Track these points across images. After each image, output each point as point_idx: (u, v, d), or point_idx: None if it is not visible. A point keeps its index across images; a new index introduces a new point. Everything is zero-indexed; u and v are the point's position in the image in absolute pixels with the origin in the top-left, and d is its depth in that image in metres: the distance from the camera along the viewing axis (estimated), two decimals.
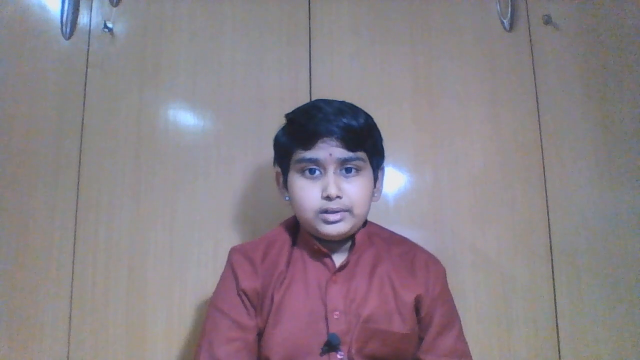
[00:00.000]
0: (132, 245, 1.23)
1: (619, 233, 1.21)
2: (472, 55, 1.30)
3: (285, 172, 0.97)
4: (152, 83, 1.30)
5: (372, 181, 0.96)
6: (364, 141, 0.92)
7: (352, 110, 0.93)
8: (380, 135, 0.99)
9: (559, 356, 1.16)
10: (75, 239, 1.23)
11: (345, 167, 0.91)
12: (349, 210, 0.90)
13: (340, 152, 0.90)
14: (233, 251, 0.97)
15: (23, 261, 1.22)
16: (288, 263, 0.94)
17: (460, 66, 1.29)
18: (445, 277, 0.99)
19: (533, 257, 1.21)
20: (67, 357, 1.18)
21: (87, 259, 1.22)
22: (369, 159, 0.94)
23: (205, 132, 1.29)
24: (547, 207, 1.22)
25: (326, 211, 0.90)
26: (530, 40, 1.29)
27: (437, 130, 1.27)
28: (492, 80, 1.29)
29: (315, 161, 0.90)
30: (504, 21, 1.29)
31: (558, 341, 1.17)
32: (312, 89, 1.29)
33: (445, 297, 0.97)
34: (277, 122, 1.28)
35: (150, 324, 1.19)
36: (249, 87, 1.30)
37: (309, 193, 0.91)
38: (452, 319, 0.97)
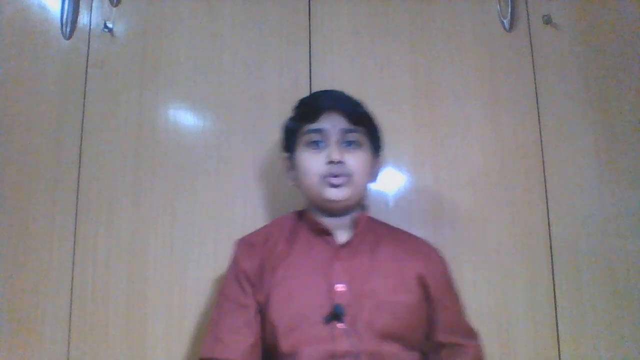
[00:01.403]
0: (132, 245, 1.23)
1: (619, 233, 1.21)
2: (472, 55, 1.30)
3: (293, 153, 1.05)
4: (152, 83, 1.30)
5: (370, 160, 1.03)
6: (365, 120, 1.03)
7: (355, 98, 1.04)
8: (379, 128, 1.06)
9: (559, 356, 1.16)
10: (75, 239, 1.23)
11: (347, 140, 1.00)
12: (350, 176, 0.98)
13: (343, 123, 1.00)
14: (236, 242, 1.05)
15: (23, 261, 1.22)
16: (292, 241, 1.01)
17: (460, 66, 1.29)
18: (448, 265, 1.05)
19: (533, 257, 1.21)
20: (67, 357, 1.18)
21: (87, 259, 1.22)
22: (369, 139, 1.03)
23: (205, 132, 1.29)
24: (547, 207, 1.22)
25: (330, 174, 0.97)
26: (530, 40, 1.29)
27: (437, 130, 1.27)
28: (492, 80, 1.29)
29: (320, 131, 1.00)
30: (504, 21, 1.29)
31: (558, 341, 1.17)
32: (312, 89, 1.29)
33: (452, 281, 1.05)
34: (277, 122, 1.29)
35: (150, 324, 1.19)
36: (249, 87, 1.30)
37: (314, 161, 0.99)
38: (461, 303, 1.04)
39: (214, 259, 1.22)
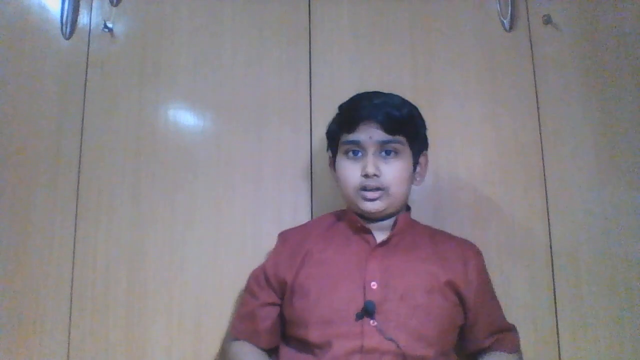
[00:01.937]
0: (132, 245, 1.23)
1: (619, 233, 1.21)
2: (472, 55, 1.30)
3: (334, 156, 1.07)
4: (152, 83, 1.30)
5: (411, 165, 1.04)
6: (404, 127, 1.00)
7: (397, 100, 1.03)
8: (423, 125, 1.08)
9: (559, 356, 1.16)
10: (75, 239, 1.23)
11: (385, 150, 1.00)
12: (385, 189, 0.99)
13: (380, 135, 0.98)
14: (278, 235, 1.11)
15: (23, 261, 1.22)
16: (329, 237, 1.04)
17: (460, 66, 1.29)
18: (485, 269, 1.07)
19: (533, 257, 1.21)
20: (67, 357, 1.18)
21: (87, 259, 1.22)
22: (410, 144, 1.02)
23: (205, 132, 1.29)
24: (547, 207, 1.22)
25: (364, 188, 0.99)
26: (530, 40, 1.29)
27: (437, 130, 1.27)
28: (492, 80, 1.29)
29: (357, 143, 1.00)
30: (504, 21, 1.29)
31: (558, 341, 1.17)
32: (312, 89, 1.29)
33: (489, 285, 1.07)
34: (277, 122, 1.29)
35: (150, 324, 1.19)
36: (249, 87, 1.30)
37: (350, 172, 1.01)
38: (498, 304, 1.08)
39: (213, 259, 1.22)
